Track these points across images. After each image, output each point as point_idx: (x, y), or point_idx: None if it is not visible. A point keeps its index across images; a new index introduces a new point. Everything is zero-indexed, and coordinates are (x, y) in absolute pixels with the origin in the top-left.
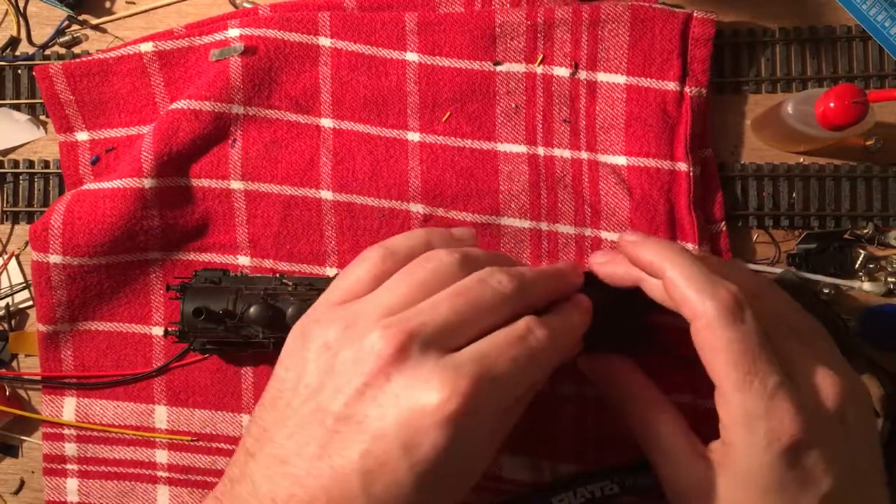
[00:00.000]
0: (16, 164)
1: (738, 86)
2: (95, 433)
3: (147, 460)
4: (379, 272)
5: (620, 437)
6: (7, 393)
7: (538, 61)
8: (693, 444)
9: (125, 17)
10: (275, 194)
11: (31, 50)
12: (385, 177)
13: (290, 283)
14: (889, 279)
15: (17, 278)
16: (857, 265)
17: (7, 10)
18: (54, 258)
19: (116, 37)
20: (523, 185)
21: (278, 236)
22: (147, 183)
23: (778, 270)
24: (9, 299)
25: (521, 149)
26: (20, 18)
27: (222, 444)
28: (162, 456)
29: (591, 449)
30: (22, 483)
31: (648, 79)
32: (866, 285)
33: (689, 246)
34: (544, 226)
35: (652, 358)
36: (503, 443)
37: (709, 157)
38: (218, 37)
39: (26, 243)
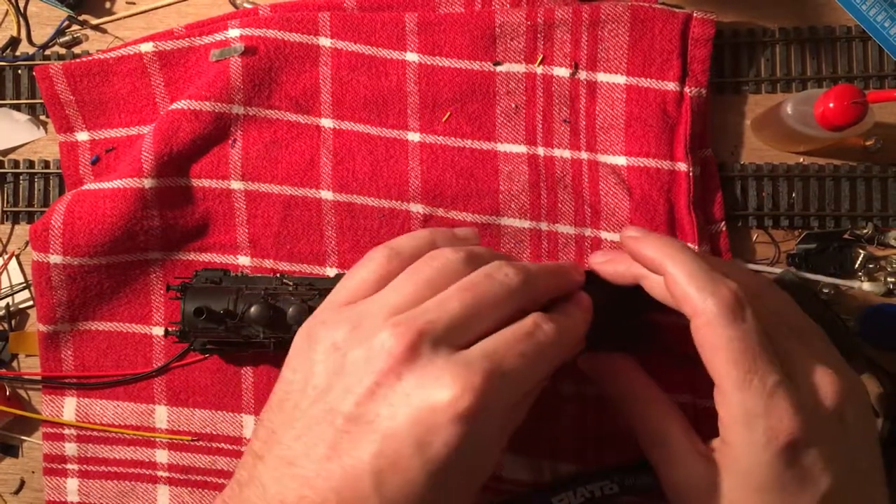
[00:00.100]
0: (16, 164)
1: (738, 86)
2: (96, 433)
3: (147, 460)
4: (384, 272)
5: (620, 437)
6: (7, 393)
7: (538, 61)
8: (693, 443)
9: (125, 17)
10: (275, 194)
11: (31, 50)
12: (385, 177)
13: (291, 283)
14: (889, 279)
15: (17, 278)
16: (856, 265)
17: (7, 10)
18: (54, 258)
19: (116, 37)
20: (523, 186)
21: (278, 236)
22: (147, 183)
23: (778, 270)
24: (9, 299)
25: (521, 149)
26: (20, 18)
27: (222, 444)
28: (162, 456)
29: (590, 448)
30: (22, 483)
31: (648, 79)
32: (866, 285)
33: (689, 246)
34: (544, 226)
35: (652, 357)
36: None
37: (708, 158)
38: (218, 37)
39: (26, 243)
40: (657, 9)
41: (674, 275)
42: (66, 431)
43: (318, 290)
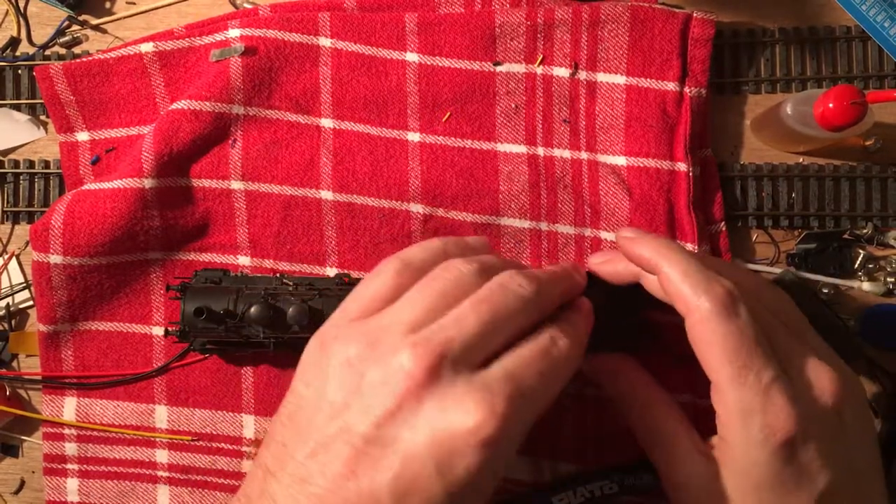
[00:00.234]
0: (16, 164)
1: (738, 86)
2: (96, 433)
3: (147, 460)
4: (396, 285)
5: (620, 437)
6: (7, 393)
7: (538, 62)
8: (695, 442)
9: (125, 17)
10: (275, 194)
11: (31, 50)
12: (385, 177)
13: (291, 283)
14: (888, 279)
15: (17, 278)
16: (856, 265)
17: (7, 11)
18: (55, 258)
19: (116, 37)
20: (523, 186)
21: (278, 236)
22: (147, 183)
23: (777, 270)
24: (9, 299)
25: (520, 149)
26: (20, 19)
27: (222, 444)
28: (162, 456)
29: (590, 448)
30: (22, 483)
31: (648, 79)
32: (865, 285)
33: (689, 246)
34: (544, 226)
35: (652, 357)
36: None
37: (708, 158)
38: (218, 37)
39: (27, 243)
40: (657, 9)
41: (668, 274)
42: (67, 431)
43: (318, 289)
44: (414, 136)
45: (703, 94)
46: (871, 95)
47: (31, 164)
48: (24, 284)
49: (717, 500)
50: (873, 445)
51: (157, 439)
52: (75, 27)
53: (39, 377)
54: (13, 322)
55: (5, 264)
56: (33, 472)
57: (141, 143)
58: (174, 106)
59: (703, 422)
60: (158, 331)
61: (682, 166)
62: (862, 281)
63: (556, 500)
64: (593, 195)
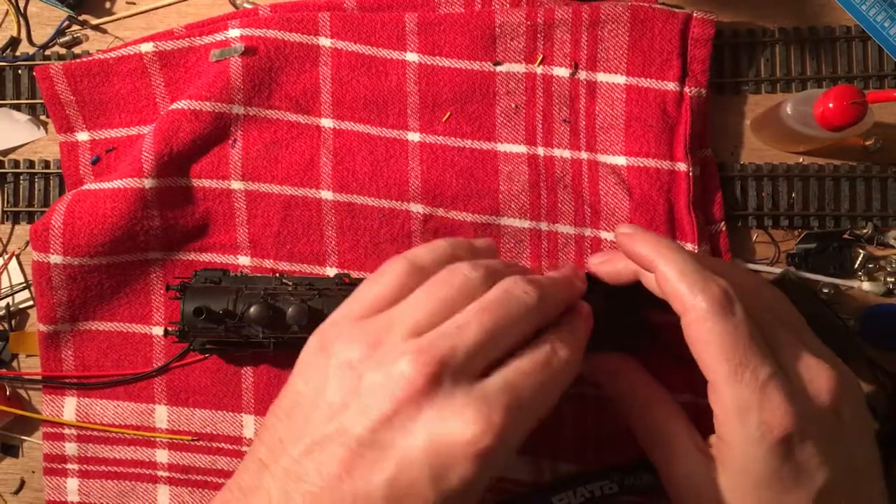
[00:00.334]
0: (16, 164)
1: (738, 86)
2: (96, 433)
3: (147, 460)
4: (402, 286)
5: (620, 437)
6: (7, 393)
7: (538, 61)
8: (694, 440)
9: (125, 17)
10: (275, 194)
11: (31, 50)
12: (385, 177)
13: (291, 283)
14: (888, 279)
15: (17, 278)
16: (856, 265)
17: (7, 11)
18: (55, 258)
19: (117, 37)
20: (523, 185)
21: (278, 236)
22: (147, 183)
23: (777, 270)
24: (9, 299)
25: (520, 149)
26: (20, 19)
27: (222, 444)
28: (162, 456)
29: (590, 448)
30: (22, 483)
31: (648, 79)
32: (866, 285)
33: (689, 246)
34: (544, 226)
35: (652, 356)
36: None
37: (708, 158)
38: (218, 37)
39: (27, 243)
40: (657, 9)
41: (665, 272)
42: (67, 431)
43: (318, 289)
44: (414, 136)
45: (703, 93)
46: (871, 95)
47: (31, 164)
48: (24, 284)
49: (716, 498)
50: (872, 444)
51: (157, 439)
52: (75, 27)
53: (39, 377)
54: (13, 322)
55: (5, 264)
56: (33, 472)
57: (141, 143)
58: (174, 106)
59: (704, 421)
60: (158, 331)
61: (682, 166)
62: (862, 281)
63: (556, 500)
64: (593, 195)
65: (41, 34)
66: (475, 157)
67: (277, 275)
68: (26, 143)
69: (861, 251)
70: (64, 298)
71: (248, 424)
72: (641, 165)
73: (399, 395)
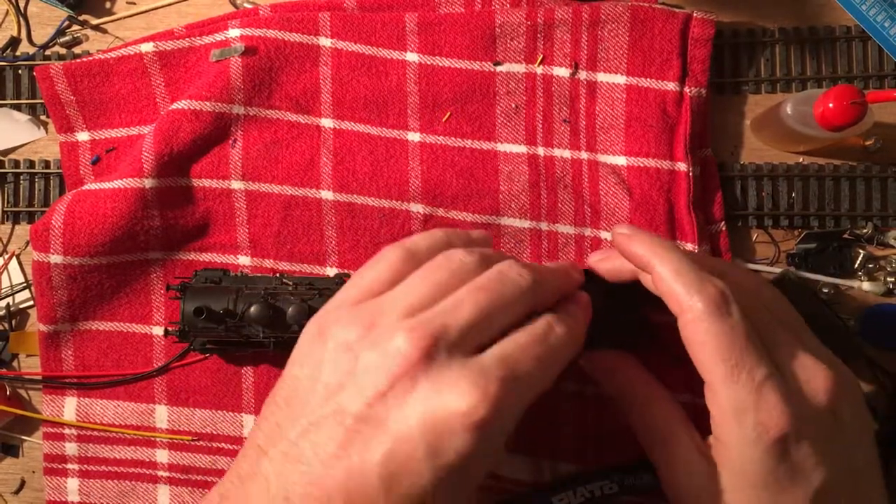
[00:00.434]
0: (16, 164)
1: (738, 86)
2: (96, 433)
3: (147, 460)
4: (398, 271)
5: (620, 436)
6: (8, 393)
7: (538, 61)
8: (694, 440)
9: (125, 17)
10: (275, 194)
11: (31, 50)
12: (385, 177)
13: (291, 283)
14: (888, 279)
15: (17, 278)
16: (856, 265)
17: (7, 11)
18: (55, 258)
19: (117, 37)
20: (523, 185)
21: (278, 236)
22: (148, 183)
23: (777, 270)
24: (9, 299)
25: (521, 149)
26: (20, 18)
27: (223, 444)
28: (162, 456)
29: (590, 448)
30: (22, 483)
31: (648, 79)
32: (866, 285)
33: (689, 246)
34: (544, 226)
35: (651, 355)
36: None
37: (708, 158)
38: (218, 37)
39: (27, 243)
40: (657, 9)
41: (661, 273)
42: (67, 431)
43: (318, 289)
44: (414, 136)
45: (703, 93)
46: (871, 95)
47: (32, 164)
48: (25, 284)
49: (713, 499)
50: (871, 444)
51: (158, 439)
52: (75, 27)
53: (39, 377)
54: (13, 322)
55: (5, 264)
56: (33, 471)
57: (141, 143)
58: (174, 106)
59: (703, 421)
60: (158, 331)
61: (682, 166)
62: (862, 281)
63: (556, 500)
64: (593, 195)
65: (41, 34)
66: (475, 157)
67: (277, 275)
68: (26, 143)
69: (861, 251)
70: (64, 298)
71: (248, 424)
72: (641, 165)
73: (394, 371)
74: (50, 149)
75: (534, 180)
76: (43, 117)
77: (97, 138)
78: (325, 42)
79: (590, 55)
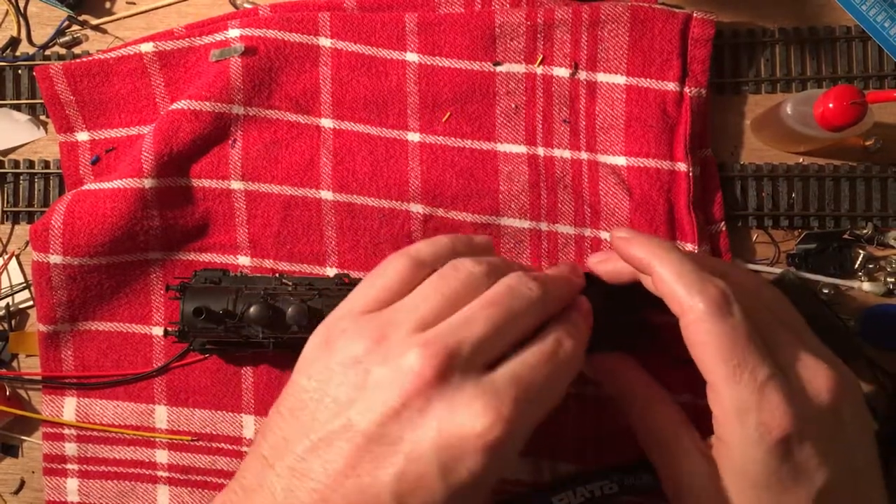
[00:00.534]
0: (16, 164)
1: (738, 86)
2: (96, 433)
3: (147, 460)
4: (405, 280)
5: (620, 437)
6: (7, 393)
7: (538, 62)
8: (694, 441)
9: (125, 17)
10: (275, 194)
11: (31, 50)
12: (385, 177)
13: (290, 283)
14: (888, 279)
15: (17, 278)
16: (856, 265)
17: (7, 11)
18: (55, 258)
19: (116, 37)
20: (523, 186)
21: (278, 236)
22: (147, 183)
23: (777, 270)
24: (9, 299)
25: (520, 149)
26: (20, 18)
27: (222, 444)
28: (162, 456)
29: (590, 448)
30: (22, 483)
31: (648, 79)
32: (866, 285)
33: (689, 246)
34: (544, 226)
35: (652, 356)
36: None
37: (708, 158)
38: (218, 37)
39: (26, 243)
40: (657, 9)
41: (661, 274)
42: (66, 431)
43: (318, 290)
44: (414, 136)
45: (703, 94)
46: (871, 95)
47: (31, 164)
48: (24, 284)
49: (715, 499)
50: (871, 444)
51: (157, 439)
52: (75, 27)
53: (39, 377)
54: (13, 322)
55: (5, 264)
56: (33, 472)
57: (141, 143)
58: (174, 106)
59: (703, 422)
60: (158, 331)
61: (682, 166)
62: (862, 281)
63: (556, 500)
64: (593, 195)
65: (41, 34)
66: (475, 157)
67: (277, 275)
68: (26, 143)
69: (861, 251)
70: (64, 298)
71: (247, 425)
72: (641, 165)
73: (407, 389)
74: (49, 149)
75: (534, 180)
76: (43, 117)
77: (97, 138)
78: (325, 42)
79: (590, 55)
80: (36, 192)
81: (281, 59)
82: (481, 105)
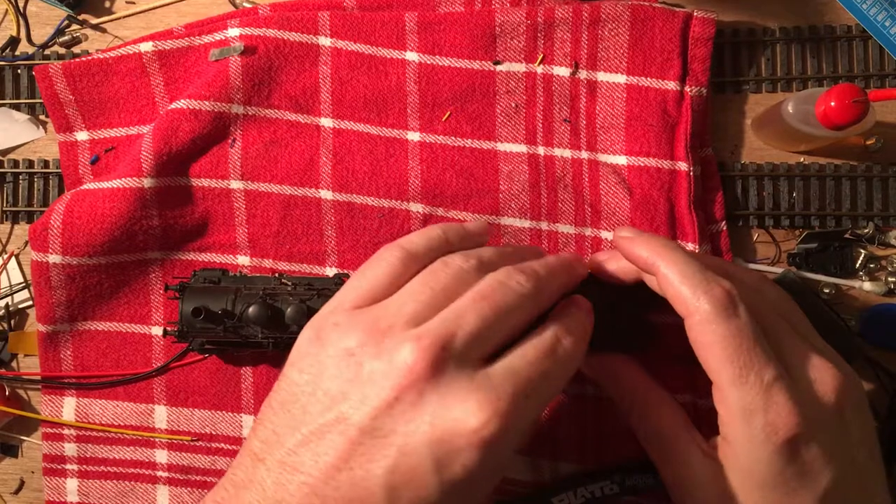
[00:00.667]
0: (16, 163)
1: (739, 85)
2: (95, 433)
3: (147, 460)
4: (397, 274)
5: (620, 437)
6: (7, 393)
7: (538, 61)
8: (696, 442)
9: (125, 16)
10: (274, 194)
11: (30, 50)
12: (385, 176)
13: (290, 283)
14: (889, 279)
15: (16, 278)
16: (857, 265)
17: (7, 10)
18: (54, 258)
19: (116, 36)
20: (523, 185)
21: (278, 236)
22: (147, 182)
23: (778, 270)
24: (8, 299)
25: (521, 148)
26: (20, 18)
27: (222, 445)
28: (162, 456)
29: (591, 448)
30: (22, 483)
31: (648, 78)
32: (867, 285)
33: (690, 246)
34: (544, 225)
35: (652, 357)
36: None
37: (709, 157)
38: (218, 36)
39: (26, 243)
40: (657, 8)
41: (666, 275)
42: (66, 431)
43: (317, 289)
44: (414, 136)
45: (703, 93)
46: (873, 94)
47: (31, 163)
48: (24, 284)
49: (720, 500)
50: (874, 441)
51: (157, 439)
52: (75, 27)
53: (39, 377)
54: (12, 322)
55: (4, 264)
56: (33, 472)
57: (140, 142)
58: (173, 105)
59: (704, 422)
60: (158, 331)
61: (682, 166)
62: (863, 281)
63: (556, 500)
64: (594, 195)
65: (41, 34)
66: (475, 157)
67: (276, 275)
68: (26, 143)
69: (862, 251)
70: (63, 298)
71: (247, 425)
72: (642, 165)
73: (401, 382)
74: (49, 148)
75: (534, 180)
76: (42, 117)
77: (96, 138)
78: (325, 41)
79: (590, 54)
80: (35, 192)
81: (280, 58)
82: (481, 104)
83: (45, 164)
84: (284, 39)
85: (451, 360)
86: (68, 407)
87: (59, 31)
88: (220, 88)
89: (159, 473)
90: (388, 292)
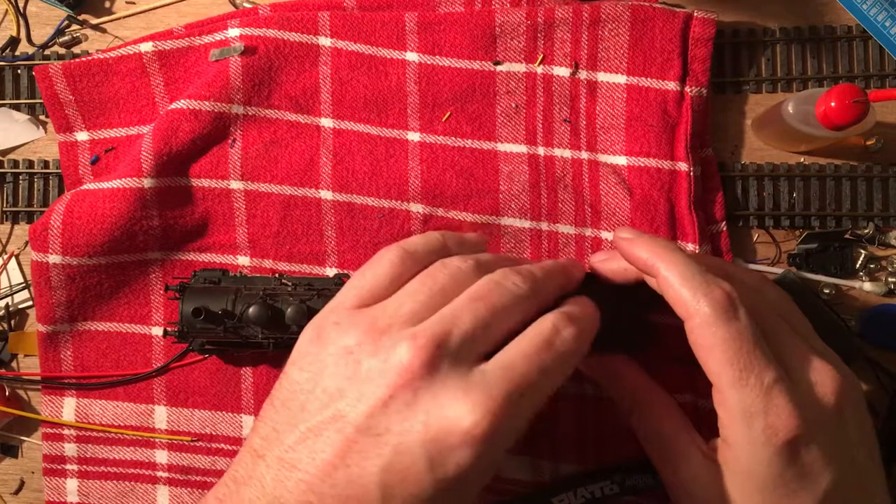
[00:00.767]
0: (16, 164)
1: (739, 85)
2: (95, 433)
3: (147, 461)
4: (396, 274)
5: (620, 437)
6: (7, 393)
7: (538, 61)
8: (696, 443)
9: (125, 17)
10: (274, 194)
11: (30, 50)
12: (385, 177)
13: (290, 284)
14: (890, 279)
15: (16, 278)
16: (857, 265)
17: (7, 10)
18: (54, 258)
19: (116, 37)
20: (523, 185)
21: (278, 236)
22: (147, 183)
23: (778, 270)
24: (8, 299)
25: (521, 149)
26: (20, 18)
27: (222, 445)
28: (162, 456)
29: (590, 448)
30: (22, 483)
31: (649, 78)
32: (867, 285)
33: (690, 246)
34: (544, 226)
35: (652, 357)
36: None
37: (709, 157)
38: (218, 37)
39: (26, 243)
40: (657, 8)
41: (666, 277)
42: (66, 432)
43: (317, 290)
44: (414, 136)
45: (703, 93)
46: (873, 94)
47: (31, 164)
48: (24, 284)
49: (719, 501)
50: (873, 442)
51: (157, 440)
52: (75, 27)
53: (39, 377)
54: (12, 322)
55: (5, 264)
56: (33, 472)
57: (140, 142)
58: (173, 105)
59: (705, 423)
60: (158, 331)
61: (682, 166)
62: (863, 281)
63: (556, 500)
64: (594, 195)
65: (41, 34)
66: (475, 157)
67: (277, 275)
68: (26, 143)
69: (862, 251)
70: (63, 298)
71: (247, 425)
72: (642, 165)
73: (396, 381)
74: (49, 149)
75: (534, 180)
76: (42, 117)
77: (96, 138)
78: (325, 42)
79: (590, 55)
80: (35, 192)
81: (281, 58)
82: (481, 104)
83: (45, 164)
84: (284, 40)
85: (446, 358)
86: (68, 407)
87: (59, 32)
88: (220, 88)
89: (159, 474)
90: (388, 292)
